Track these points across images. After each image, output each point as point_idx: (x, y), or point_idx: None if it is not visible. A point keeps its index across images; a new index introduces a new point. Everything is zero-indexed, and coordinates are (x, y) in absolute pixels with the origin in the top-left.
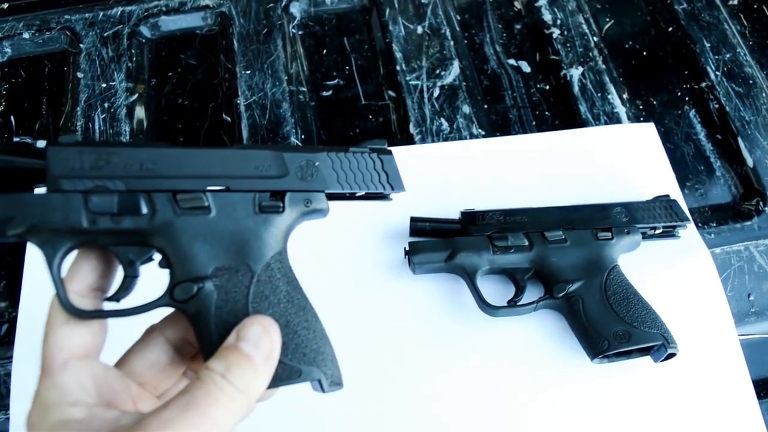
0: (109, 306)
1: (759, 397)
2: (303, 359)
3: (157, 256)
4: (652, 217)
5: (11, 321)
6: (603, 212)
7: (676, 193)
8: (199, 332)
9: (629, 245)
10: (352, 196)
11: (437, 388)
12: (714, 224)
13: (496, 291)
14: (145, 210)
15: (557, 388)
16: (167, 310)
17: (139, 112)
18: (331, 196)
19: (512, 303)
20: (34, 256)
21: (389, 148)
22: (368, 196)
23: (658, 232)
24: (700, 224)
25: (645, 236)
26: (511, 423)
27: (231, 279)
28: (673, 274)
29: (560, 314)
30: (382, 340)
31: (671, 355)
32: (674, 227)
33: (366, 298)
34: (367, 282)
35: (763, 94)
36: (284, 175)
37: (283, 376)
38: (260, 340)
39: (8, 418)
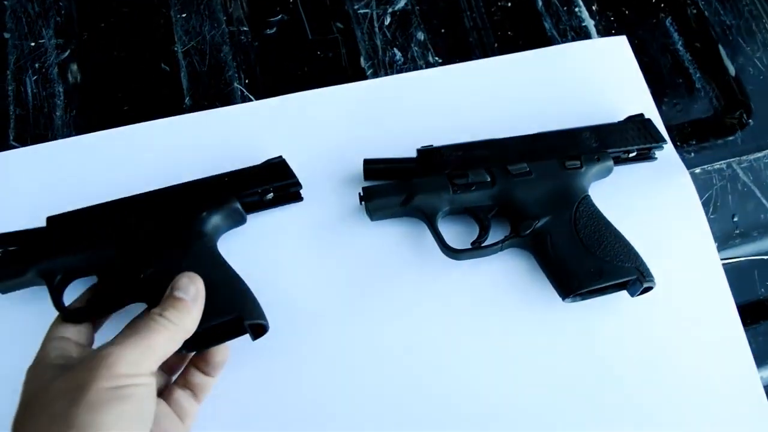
0: None
1: (744, 324)
2: None
3: None
4: (624, 140)
5: None
6: (570, 139)
7: (651, 111)
8: (542, 255)
9: (600, 172)
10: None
11: (402, 339)
12: (694, 142)
13: (460, 233)
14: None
15: (529, 330)
16: None
17: (73, 69)
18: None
19: (476, 244)
20: None
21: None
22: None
23: (632, 155)
24: (678, 143)
25: (619, 161)
26: (482, 369)
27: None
28: (651, 200)
29: (528, 253)
30: (341, 291)
31: (648, 289)
32: (650, 149)
33: (322, 249)
34: (322, 233)
35: None
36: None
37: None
38: (188, 287)
39: None
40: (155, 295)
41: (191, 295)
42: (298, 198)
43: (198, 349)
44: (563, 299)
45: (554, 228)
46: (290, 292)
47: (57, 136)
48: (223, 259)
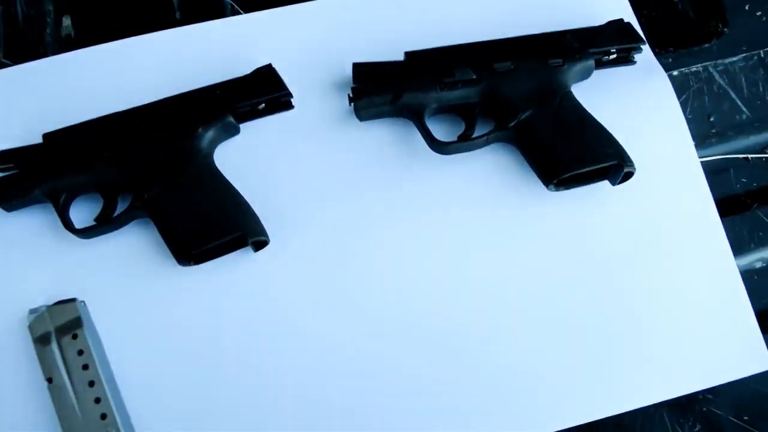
0: None
1: (722, 216)
2: None
3: None
4: (604, 41)
5: None
6: (552, 40)
7: (630, 19)
8: (526, 145)
9: (582, 72)
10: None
11: (395, 237)
12: (671, 49)
13: (447, 131)
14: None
15: (516, 222)
16: None
17: None
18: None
19: (463, 137)
20: None
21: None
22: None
23: (612, 57)
24: (656, 49)
25: (600, 63)
26: (476, 264)
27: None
28: (631, 100)
29: (514, 147)
30: (333, 195)
31: (629, 175)
32: (629, 51)
33: (314, 154)
34: (313, 139)
35: None
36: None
37: None
38: None
39: None
40: (159, 213)
41: None
42: (289, 106)
43: (203, 261)
44: (546, 186)
45: (538, 120)
46: (284, 200)
47: (48, 53)
48: (222, 174)
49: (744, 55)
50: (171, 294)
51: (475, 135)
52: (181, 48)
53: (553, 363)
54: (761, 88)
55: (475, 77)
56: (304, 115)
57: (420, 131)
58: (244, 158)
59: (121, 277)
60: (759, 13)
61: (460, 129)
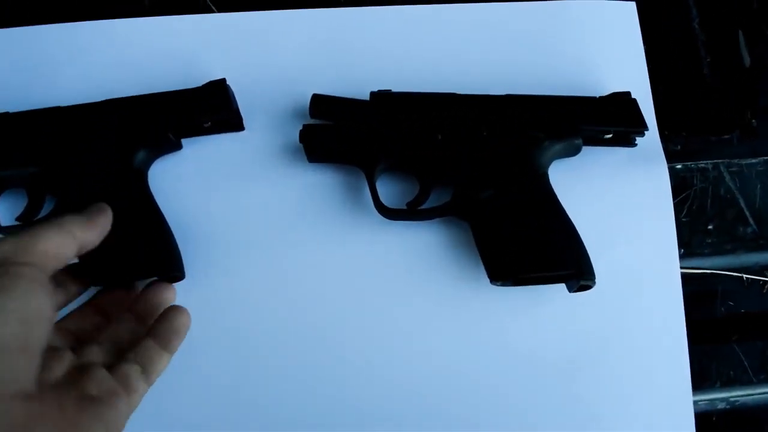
0: None
1: (694, 342)
2: None
3: None
4: (601, 119)
5: None
6: (540, 107)
7: (644, 92)
8: (479, 231)
9: (566, 150)
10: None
11: (322, 295)
12: (684, 134)
13: (402, 192)
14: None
15: (454, 309)
16: None
17: None
18: None
19: (412, 207)
20: None
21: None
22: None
23: (608, 137)
24: (666, 132)
25: (594, 141)
26: (399, 341)
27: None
28: (618, 188)
29: (468, 225)
30: (265, 233)
31: (586, 287)
32: (629, 134)
33: (255, 185)
34: (258, 168)
35: None
36: None
37: None
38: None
39: None
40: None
41: (94, 213)
42: (239, 127)
43: (107, 282)
44: (491, 282)
45: (498, 204)
46: (209, 233)
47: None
48: (153, 199)
49: (767, 158)
50: None
51: (425, 207)
52: (139, 40)
53: None
54: None
55: (439, 137)
56: (251, 141)
57: (369, 188)
58: (182, 176)
59: None
60: None
61: (416, 190)
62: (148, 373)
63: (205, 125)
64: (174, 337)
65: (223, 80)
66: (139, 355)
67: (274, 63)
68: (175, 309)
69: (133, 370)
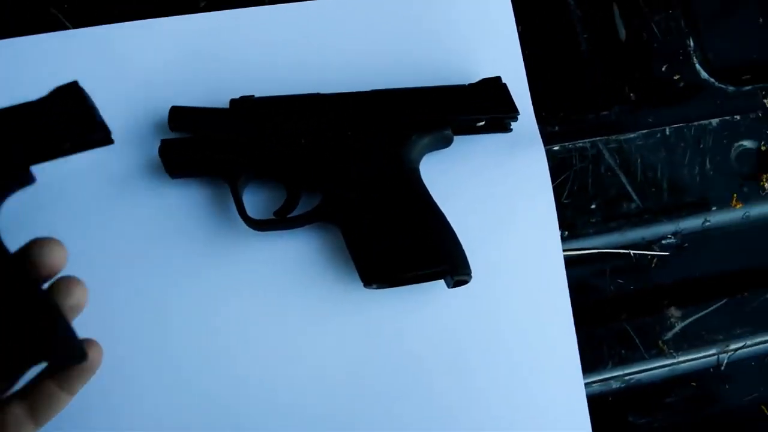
0: None
1: (584, 323)
2: None
3: None
4: (470, 108)
5: None
6: (406, 101)
7: (518, 74)
8: (348, 234)
9: (436, 142)
10: None
11: (191, 313)
12: (561, 114)
13: (271, 198)
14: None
15: (329, 317)
16: None
17: None
18: None
19: (280, 216)
20: None
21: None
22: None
23: (480, 124)
24: (543, 113)
25: (467, 129)
26: (275, 356)
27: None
28: (494, 175)
29: (339, 230)
30: (131, 256)
31: (462, 282)
32: (501, 119)
33: (116, 208)
34: (117, 191)
35: None
36: None
37: None
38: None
39: None
40: None
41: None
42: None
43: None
44: (365, 286)
45: (367, 205)
46: (80, 257)
47: None
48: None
49: (646, 131)
50: None
51: (296, 213)
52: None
53: None
54: (659, 173)
55: (303, 142)
56: (110, 163)
57: (234, 200)
58: (36, 197)
59: None
60: (677, 77)
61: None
62: (36, 419)
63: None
64: (80, 379)
65: (75, 83)
66: (31, 394)
67: (132, 77)
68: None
69: (22, 412)
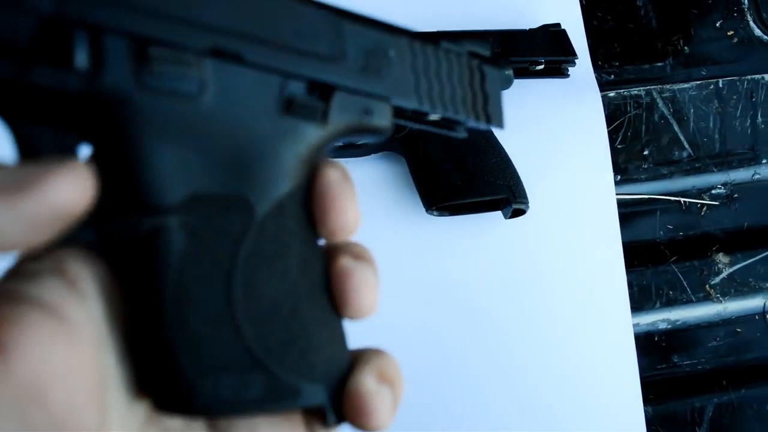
0: None
1: (635, 265)
2: (307, 371)
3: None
4: (531, 49)
5: None
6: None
7: (576, 24)
8: (412, 161)
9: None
10: (418, 118)
11: None
12: (617, 63)
13: None
14: (81, 61)
15: (394, 241)
16: None
17: None
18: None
19: (349, 142)
20: None
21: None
22: (441, 124)
23: (539, 68)
24: (599, 62)
25: (524, 73)
26: None
27: (214, 219)
28: (552, 118)
29: (403, 158)
30: None
31: (520, 212)
32: (559, 63)
33: None
34: None
35: None
36: (338, 57)
37: (270, 394)
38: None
39: None
40: None
41: None
42: None
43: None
44: (426, 211)
45: (433, 136)
46: None
47: None
48: None
49: (699, 82)
50: None
51: (361, 141)
52: None
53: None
54: (711, 124)
55: None
56: None
57: None
58: None
59: None
60: (731, 33)
61: None
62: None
63: None
64: None
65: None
66: None
67: None
68: None
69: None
